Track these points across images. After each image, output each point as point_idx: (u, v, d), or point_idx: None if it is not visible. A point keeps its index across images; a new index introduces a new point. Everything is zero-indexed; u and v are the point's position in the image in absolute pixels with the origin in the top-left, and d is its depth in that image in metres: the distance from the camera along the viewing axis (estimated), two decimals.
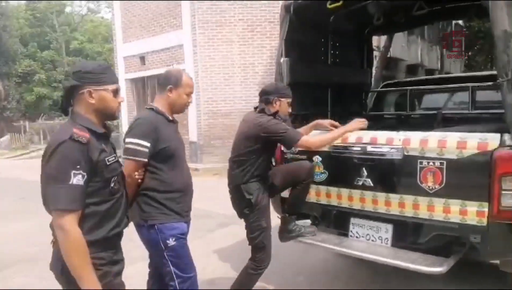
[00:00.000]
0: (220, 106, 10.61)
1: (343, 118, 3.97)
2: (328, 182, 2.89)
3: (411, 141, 2.47)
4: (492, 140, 2.22)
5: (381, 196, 2.62)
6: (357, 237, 2.81)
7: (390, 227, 2.67)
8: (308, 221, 3.04)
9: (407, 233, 2.62)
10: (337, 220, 2.95)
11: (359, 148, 2.69)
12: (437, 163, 2.35)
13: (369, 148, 2.63)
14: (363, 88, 4.35)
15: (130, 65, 12.67)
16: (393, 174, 2.59)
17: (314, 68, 3.58)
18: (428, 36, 17.09)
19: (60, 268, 1.56)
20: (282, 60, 3.11)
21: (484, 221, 2.24)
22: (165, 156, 2.14)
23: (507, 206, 2.18)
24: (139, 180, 2.11)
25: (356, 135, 2.74)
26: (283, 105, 2.71)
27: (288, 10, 3.02)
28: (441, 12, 3.57)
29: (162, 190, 2.13)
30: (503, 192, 2.17)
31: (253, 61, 10.56)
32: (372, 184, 2.65)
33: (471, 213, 2.28)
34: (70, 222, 1.48)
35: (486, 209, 2.23)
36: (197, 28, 10.49)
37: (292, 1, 2.98)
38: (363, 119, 2.83)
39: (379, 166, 2.61)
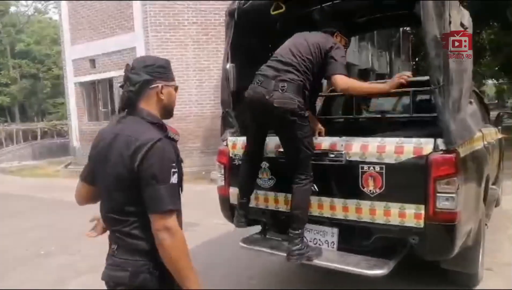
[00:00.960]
0: (175, 110, 10.12)
1: None
2: (276, 188, 2.89)
3: (352, 146, 2.52)
4: (426, 144, 2.31)
5: (326, 200, 2.66)
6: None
7: (336, 231, 2.71)
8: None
9: (352, 236, 2.67)
10: (286, 226, 2.94)
11: None
12: (377, 168, 2.41)
13: (314, 154, 2.65)
14: None
15: (79, 68, 12.18)
16: (337, 179, 2.63)
17: None
18: (378, 42, 17.81)
19: (142, 279, 1.46)
20: (228, 66, 3.08)
21: (421, 223, 2.33)
22: None
23: (442, 208, 2.28)
24: None
25: None
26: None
27: (232, 16, 3.00)
28: (381, 20, 3.70)
29: None
30: (438, 194, 2.27)
31: (208, 65, 10.47)
32: (317, 189, 2.67)
33: (409, 215, 2.36)
34: (175, 222, 1.43)
35: (422, 211, 2.31)
36: (149, 31, 10.26)
37: (236, 6, 2.96)
38: (408, 73, 2.73)
39: (324, 172, 2.64)
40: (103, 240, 1.69)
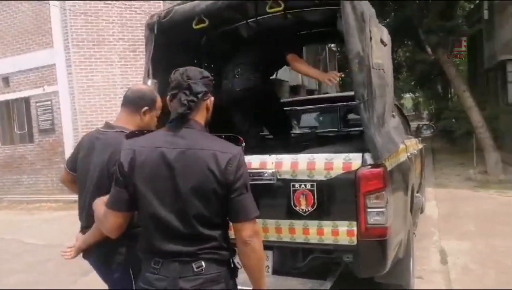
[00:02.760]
0: None
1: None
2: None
3: (283, 164, 2.43)
4: (355, 159, 2.28)
5: (258, 222, 2.51)
6: (238, 267, 2.65)
7: (269, 253, 2.58)
8: None
9: (286, 258, 2.57)
10: None
11: None
12: (308, 185, 2.33)
13: None
14: None
15: None
16: (268, 199, 2.50)
17: None
18: (307, 58, 18.51)
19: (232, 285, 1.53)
20: (149, 82, 2.86)
21: (354, 240, 2.28)
22: None
23: (374, 223, 2.25)
24: None
25: None
26: None
27: (152, 30, 2.80)
28: (306, 36, 3.72)
29: None
30: (369, 210, 2.23)
31: (136, 82, 10.00)
32: None
33: (342, 233, 2.30)
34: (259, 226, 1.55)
35: (355, 228, 2.27)
36: (71, 47, 9.63)
37: (156, 20, 2.78)
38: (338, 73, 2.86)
39: (255, 191, 2.49)
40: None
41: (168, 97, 1.56)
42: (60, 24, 9.71)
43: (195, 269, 1.43)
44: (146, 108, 1.96)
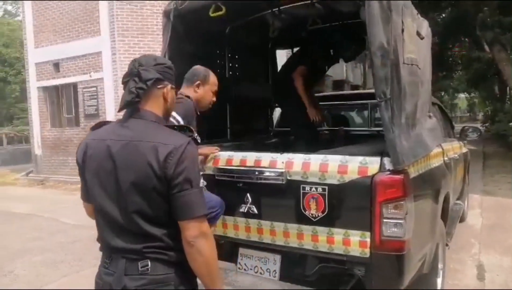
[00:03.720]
0: None
1: (247, 134, 3.76)
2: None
3: (294, 164, 2.25)
4: (372, 164, 2.05)
5: (266, 224, 2.37)
6: (245, 269, 2.53)
7: (278, 258, 2.43)
8: None
9: (294, 264, 2.40)
10: (226, 252, 2.64)
11: (243, 172, 2.42)
12: (319, 189, 2.14)
13: (253, 172, 2.37)
14: (269, 104, 4.15)
15: (42, 72, 11.61)
16: (277, 201, 2.35)
17: None
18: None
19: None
20: None
21: (367, 252, 2.06)
22: None
23: (389, 236, 2.02)
24: None
25: (241, 156, 2.47)
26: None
27: (168, 17, 2.71)
28: (335, 28, 3.46)
29: None
30: (385, 220, 2.00)
31: None
32: (256, 212, 2.39)
33: (354, 243, 2.09)
34: (208, 226, 1.40)
35: (368, 239, 2.05)
36: (116, 35, 9.88)
37: (172, 7, 2.67)
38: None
39: (263, 192, 2.36)
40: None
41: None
42: (107, 12, 9.98)
43: (140, 268, 1.35)
44: (198, 82, 2.45)
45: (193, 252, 1.34)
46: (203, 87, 2.45)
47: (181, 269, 1.40)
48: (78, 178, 1.52)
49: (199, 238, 1.34)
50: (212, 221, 2.24)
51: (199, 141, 1.50)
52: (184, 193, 1.33)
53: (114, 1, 9.74)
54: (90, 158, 1.42)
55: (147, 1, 9.96)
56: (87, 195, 1.49)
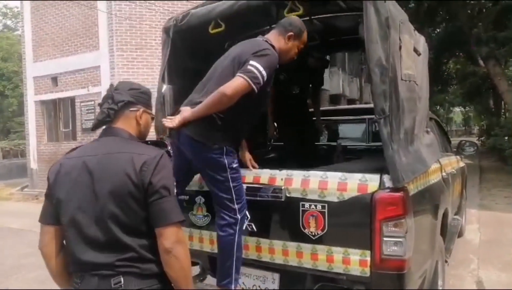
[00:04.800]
0: None
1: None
2: (212, 226, 2.56)
3: (293, 181, 2.23)
4: (372, 181, 2.04)
5: (265, 242, 2.34)
6: (243, 288, 2.49)
7: (277, 276, 2.39)
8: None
9: (293, 283, 2.35)
10: None
11: None
12: (319, 206, 2.12)
13: (252, 189, 2.35)
14: (266, 117, 4.13)
15: (40, 86, 11.64)
16: (276, 218, 2.32)
17: None
18: (349, 68, 18.04)
19: None
20: (164, 88, 2.78)
21: (367, 271, 2.03)
22: None
23: (390, 254, 1.99)
24: None
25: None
26: None
27: (168, 34, 2.72)
28: (334, 44, 3.49)
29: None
30: (385, 238, 1.98)
31: None
32: (255, 229, 2.36)
33: (354, 262, 2.06)
34: (183, 233, 1.46)
35: (368, 258, 2.02)
36: (115, 50, 9.94)
37: (172, 24, 2.69)
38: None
39: (262, 209, 2.33)
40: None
41: None
42: (106, 27, 10.07)
43: (113, 285, 1.36)
44: (291, 33, 2.27)
45: (169, 259, 1.38)
46: (293, 41, 2.27)
47: (156, 281, 1.42)
48: None
49: (176, 244, 1.38)
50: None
51: (171, 154, 1.58)
52: (162, 200, 1.39)
53: (113, 16, 9.82)
54: (64, 175, 1.45)
55: (146, 17, 10.05)
56: (50, 217, 1.49)
